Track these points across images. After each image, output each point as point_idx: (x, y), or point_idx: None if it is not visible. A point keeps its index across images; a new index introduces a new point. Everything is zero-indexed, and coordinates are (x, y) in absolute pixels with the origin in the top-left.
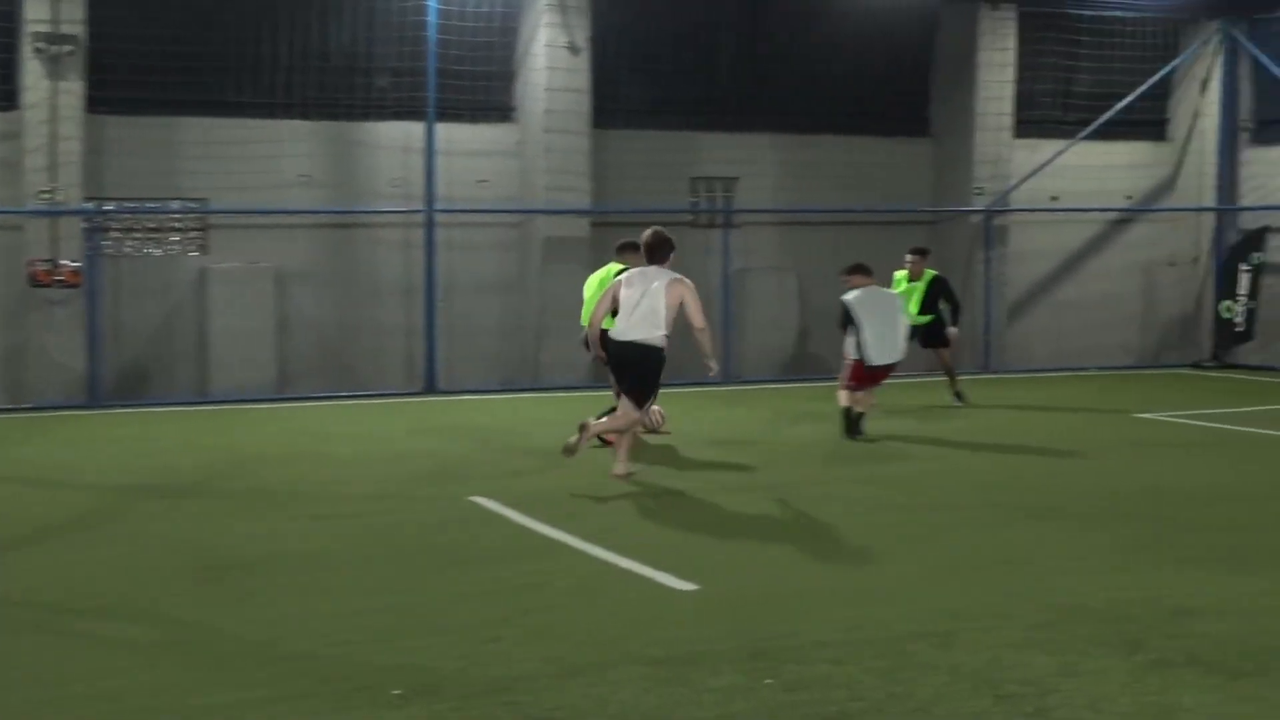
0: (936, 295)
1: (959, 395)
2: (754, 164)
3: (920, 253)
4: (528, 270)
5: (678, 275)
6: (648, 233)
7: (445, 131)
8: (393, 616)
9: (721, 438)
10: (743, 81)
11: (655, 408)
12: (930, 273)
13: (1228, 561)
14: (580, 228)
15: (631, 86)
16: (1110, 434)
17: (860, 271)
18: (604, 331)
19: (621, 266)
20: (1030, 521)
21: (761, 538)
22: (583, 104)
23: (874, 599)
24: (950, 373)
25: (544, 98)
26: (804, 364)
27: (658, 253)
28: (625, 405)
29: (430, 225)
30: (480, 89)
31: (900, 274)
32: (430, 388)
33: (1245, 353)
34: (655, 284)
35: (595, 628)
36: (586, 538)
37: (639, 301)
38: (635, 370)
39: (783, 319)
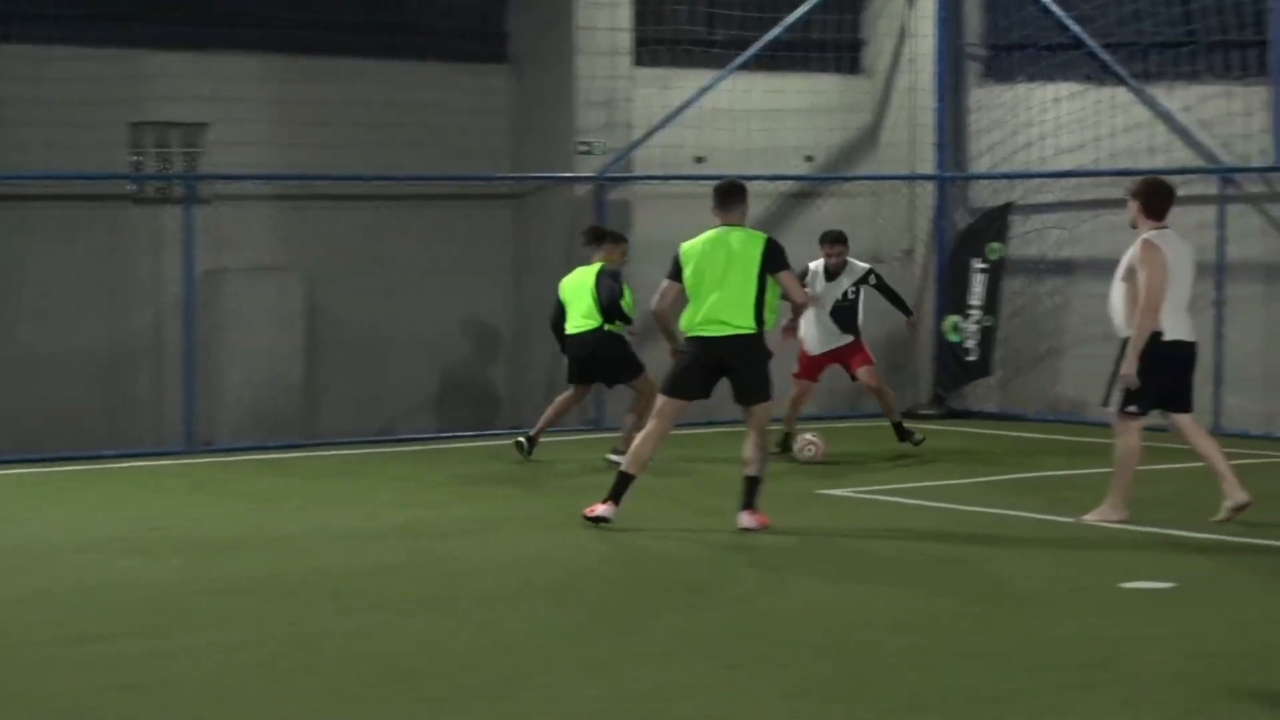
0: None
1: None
2: (234, 104)
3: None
4: None
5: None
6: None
7: None
8: None
9: (169, 539)
10: None
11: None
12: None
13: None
14: None
15: None
16: (783, 520)
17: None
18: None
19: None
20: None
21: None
22: None
23: None
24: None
25: None
26: (316, 420)
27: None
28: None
29: None
30: None
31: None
32: None
33: (981, 393)
34: None
35: None
36: None
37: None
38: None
39: (281, 348)
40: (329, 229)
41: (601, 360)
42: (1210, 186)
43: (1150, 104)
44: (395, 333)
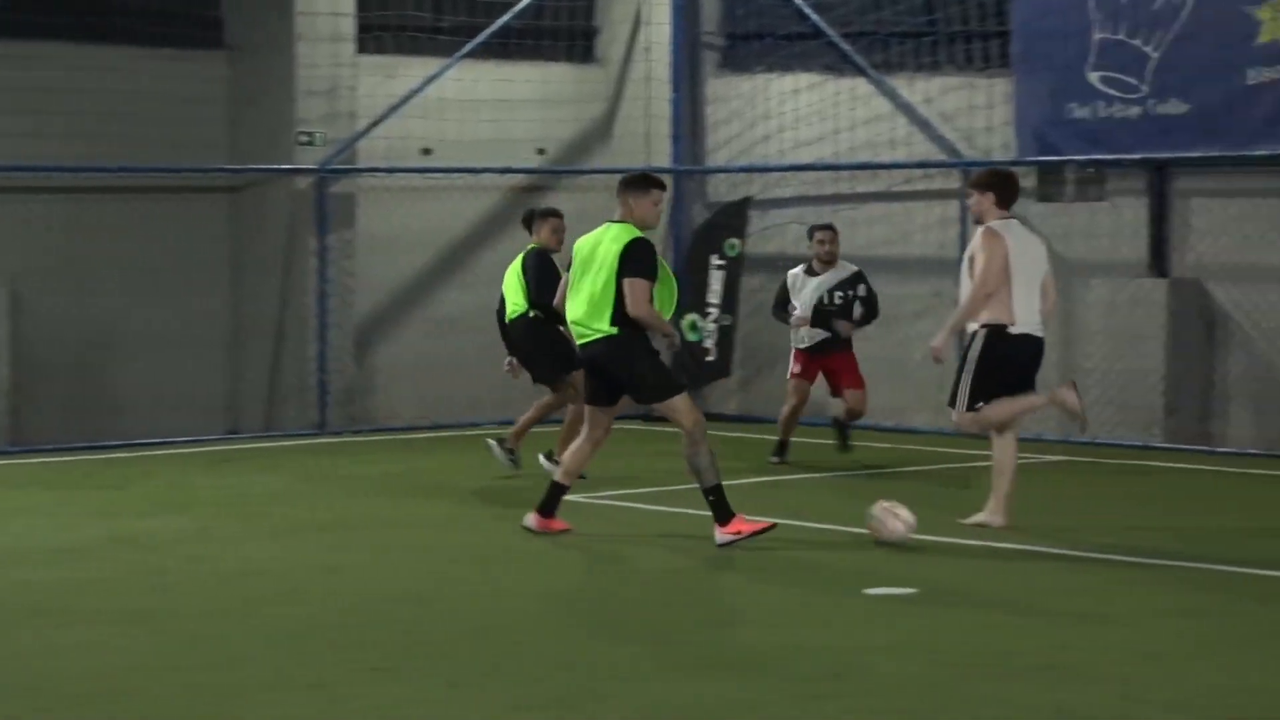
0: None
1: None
2: None
3: None
4: None
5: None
6: None
7: None
8: None
9: None
10: None
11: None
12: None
13: None
14: None
15: None
16: (513, 529)
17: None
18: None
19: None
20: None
21: None
22: None
23: None
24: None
25: None
26: (21, 426)
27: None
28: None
29: None
30: None
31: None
32: None
33: (720, 395)
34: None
35: None
36: None
37: None
38: None
39: None
40: (32, 223)
41: (528, 349)
42: (952, 180)
43: (891, 96)
44: (104, 333)
